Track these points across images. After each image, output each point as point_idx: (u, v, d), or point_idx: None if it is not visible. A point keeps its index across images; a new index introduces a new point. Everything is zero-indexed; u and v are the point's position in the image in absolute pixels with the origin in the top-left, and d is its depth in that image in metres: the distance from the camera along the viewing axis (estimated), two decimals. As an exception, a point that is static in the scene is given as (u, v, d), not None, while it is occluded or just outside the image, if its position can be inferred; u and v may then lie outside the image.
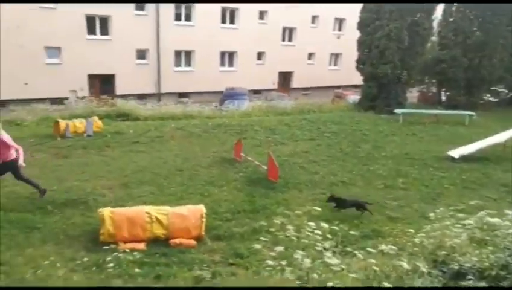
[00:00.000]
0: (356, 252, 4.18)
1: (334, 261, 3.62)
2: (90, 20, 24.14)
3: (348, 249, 4.55)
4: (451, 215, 4.83)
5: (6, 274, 5.67)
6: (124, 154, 12.20)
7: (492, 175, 11.19)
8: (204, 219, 7.21)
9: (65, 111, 17.59)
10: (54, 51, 23.38)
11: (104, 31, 24.82)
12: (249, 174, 10.65)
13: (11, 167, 8.22)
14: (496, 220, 4.40)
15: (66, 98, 22.43)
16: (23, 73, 22.06)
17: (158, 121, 17.22)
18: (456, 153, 12.63)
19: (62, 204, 8.10)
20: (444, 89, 26.36)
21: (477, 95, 24.57)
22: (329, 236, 4.06)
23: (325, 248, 3.83)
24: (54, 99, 21.60)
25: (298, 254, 3.68)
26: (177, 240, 6.90)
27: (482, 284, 3.57)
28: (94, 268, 5.82)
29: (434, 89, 27.88)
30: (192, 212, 7.27)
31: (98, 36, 24.65)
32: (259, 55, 31.15)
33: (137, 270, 5.70)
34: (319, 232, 3.99)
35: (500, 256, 3.86)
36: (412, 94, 26.32)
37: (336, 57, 35.48)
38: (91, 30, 24.34)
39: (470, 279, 3.66)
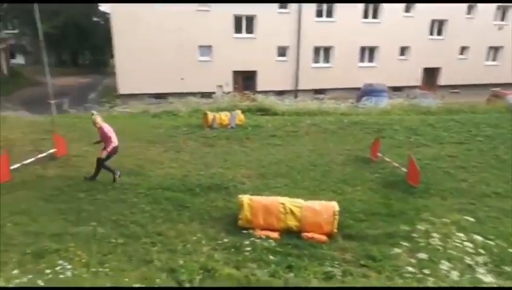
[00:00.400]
0: (516, 274, 3.65)
1: (488, 279, 3.23)
2: (237, 19, 25.97)
3: (507, 268, 3.99)
4: None
5: (163, 244, 6.55)
6: (262, 147, 12.84)
7: None
8: (337, 216, 7.15)
9: (213, 104, 19.28)
10: (205, 49, 25.88)
11: (250, 29, 26.42)
12: (385, 176, 10.16)
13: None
14: None
15: (214, 93, 24.63)
16: (180, 69, 24.98)
17: (294, 117, 17.61)
18: None
19: (207, 188, 8.94)
20: None
21: None
22: (481, 251, 3.64)
23: (476, 263, 3.44)
24: (204, 93, 23.93)
25: (444, 265, 3.39)
26: (309, 234, 7.00)
27: None
28: (232, 250, 6.30)
29: None
30: (325, 208, 7.27)
31: (244, 35, 26.36)
32: (403, 50, 29.32)
33: (271, 257, 5.98)
34: (470, 244, 3.61)
35: None
36: None
37: (495, 50, 31.22)
38: (238, 29, 26.17)
39: None
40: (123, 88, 24.74)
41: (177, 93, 23.88)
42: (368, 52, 29.13)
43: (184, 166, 10.57)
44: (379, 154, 11.40)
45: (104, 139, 9.07)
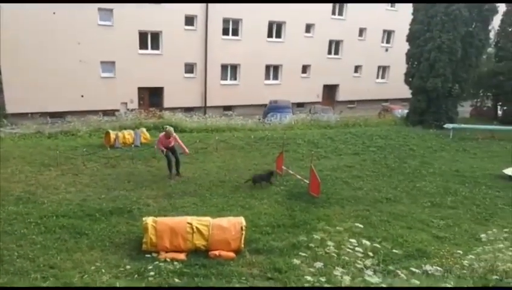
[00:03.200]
0: (399, 271, 3.98)
1: (375, 279, 3.48)
2: (142, 35, 25.29)
3: (391, 268, 4.35)
4: (506, 237, 4.50)
5: (56, 277, 5.96)
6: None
7: (554, 196, 10.36)
8: (244, 232, 7.20)
9: (116, 122, 18.40)
10: (108, 65, 24.68)
11: (155, 45, 25.88)
12: (290, 188, 10.57)
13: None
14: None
15: (117, 110, 23.51)
16: (80, 86, 23.44)
17: (203, 133, 17.58)
18: (512, 171, 11.86)
19: (109, 212, 8.42)
20: (500, 103, 24.93)
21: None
22: (370, 254, 3.92)
23: (365, 266, 3.69)
24: (106, 111, 22.70)
25: (338, 271, 3.58)
26: (216, 252, 6.94)
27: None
28: (136, 276, 5.98)
29: (489, 103, 26.46)
30: (233, 224, 7.28)
31: (149, 51, 25.73)
32: (304, 68, 31.12)
33: (176, 280, 5.78)
34: (360, 249, 3.86)
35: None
36: (464, 108, 25.09)
37: (383, 69, 34.72)
38: (143, 45, 25.47)
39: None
40: (12, 107, 22.34)
41: (76, 112, 22.32)
42: (273, 70, 30.37)
43: (83, 190, 9.84)
44: (284, 168, 11.84)
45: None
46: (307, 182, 10.41)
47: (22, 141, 15.35)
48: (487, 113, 25.76)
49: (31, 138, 16.11)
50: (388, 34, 33.86)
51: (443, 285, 3.59)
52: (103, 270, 6.13)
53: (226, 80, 28.86)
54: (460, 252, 4.82)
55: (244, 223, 7.31)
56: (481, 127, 19.19)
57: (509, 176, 11.75)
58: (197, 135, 17.23)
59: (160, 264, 6.03)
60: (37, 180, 10.42)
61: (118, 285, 5.67)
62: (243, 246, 7.13)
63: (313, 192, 9.88)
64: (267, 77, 30.22)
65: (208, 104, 27.83)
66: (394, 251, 4.96)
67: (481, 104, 27.45)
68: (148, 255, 6.57)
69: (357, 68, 33.20)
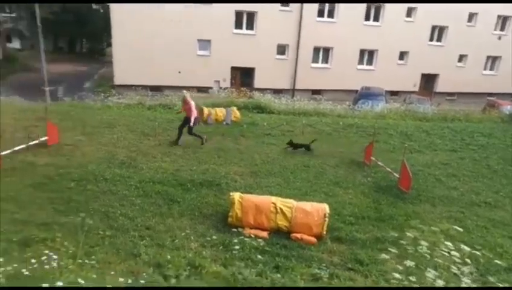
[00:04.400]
0: (500, 285, 3.66)
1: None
2: (238, 15, 25.86)
3: (490, 279, 4.01)
4: None
5: (151, 237, 6.51)
6: (256, 145, 12.82)
7: None
8: (327, 219, 7.15)
9: (209, 99, 19.21)
10: (205, 43, 25.75)
11: (250, 26, 26.33)
12: (377, 180, 10.19)
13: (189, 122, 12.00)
14: None
15: (210, 88, 24.54)
16: (178, 63, 24.85)
17: (290, 116, 17.61)
18: None
19: (199, 183, 8.91)
20: None
21: None
22: (468, 261, 3.65)
23: (462, 273, 3.45)
24: (201, 88, 23.84)
25: (430, 273, 3.40)
26: (298, 235, 7.00)
27: None
28: (221, 247, 6.28)
29: None
30: (316, 210, 7.26)
31: (244, 31, 26.27)
32: (402, 55, 29.39)
33: (259, 256, 5.96)
34: (457, 254, 3.61)
35: None
36: None
37: (493, 60, 31.38)
38: (238, 25, 26.06)
39: None
40: (119, 79, 24.57)
41: (173, 87, 23.78)
42: (367, 55, 29.16)
43: (176, 160, 10.52)
44: (373, 159, 11.42)
45: (189, 113, 11.96)
46: (397, 175, 9.95)
47: (126, 111, 16.82)
48: None
49: (133, 108, 17.57)
50: (503, 20, 30.39)
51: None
52: (192, 238, 6.55)
53: (317, 62, 28.44)
54: None
55: (327, 210, 7.25)
56: None
57: None
58: (284, 117, 17.32)
59: (245, 239, 6.26)
60: (137, 148, 11.37)
61: (204, 254, 6.02)
62: (325, 232, 7.09)
63: (402, 187, 9.42)
64: (361, 62, 29.15)
65: (296, 87, 27.77)
66: (496, 261, 4.54)
67: None
68: (234, 229, 6.85)
69: (461, 57, 30.47)
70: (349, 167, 11.18)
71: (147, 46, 24.02)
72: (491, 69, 31.51)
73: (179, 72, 25.01)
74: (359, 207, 8.46)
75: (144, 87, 23.66)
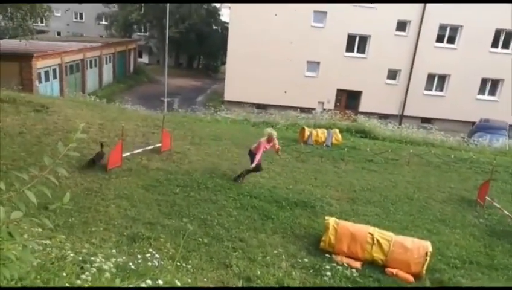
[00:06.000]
0: None
1: None
2: (350, 38, 25.66)
3: None
4: None
5: (243, 250, 6.68)
6: (356, 170, 12.42)
7: None
8: (428, 257, 6.59)
9: (311, 120, 19.27)
10: (313, 65, 26.03)
11: (362, 49, 25.92)
12: (492, 223, 9.09)
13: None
14: None
15: (314, 109, 24.62)
16: (285, 82, 25.48)
17: (396, 144, 16.75)
18: None
19: (294, 203, 8.91)
20: None
21: None
22: None
23: None
24: (304, 108, 24.04)
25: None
26: (394, 270, 6.57)
27: None
28: (311, 271, 6.18)
29: None
30: (416, 247, 6.75)
31: (355, 54, 25.95)
32: (533, 86, 26.09)
33: (349, 286, 5.72)
34: None
35: None
36: None
37: None
38: (350, 48, 25.84)
39: None
40: (229, 95, 26.05)
41: (278, 106, 24.38)
42: (490, 84, 26.52)
43: (274, 178, 10.70)
44: (488, 198, 10.24)
45: (256, 152, 9.83)
46: (517, 220, 8.77)
47: (232, 125, 17.71)
48: None
49: (239, 123, 18.43)
50: None
51: None
52: (283, 257, 6.56)
53: (431, 90, 26.71)
54: None
55: (430, 248, 6.69)
56: None
57: None
58: (389, 144, 16.53)
59: (337, 266, 6.07)
60: (240, 161, 11.81)
61: (293, 275, 5.98)
62: (424, 272, 6.54)
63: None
64: (482, 92, 26.60)
65: (405, 114, 26.38)
66: None
67: None
68: (327, 255, 6.69)
69: None
70: (458, 205, 10.17)
71: (257, 65, 25.12)
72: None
73: (285, 92, 25.60)
74: (467, 250, 7.63)
75: (251, 104, 24.74)
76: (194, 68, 52.53)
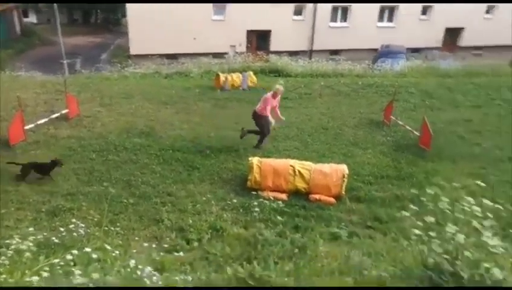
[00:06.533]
0: (522, 238, 3.60)
1: (494, 241, 3.20)
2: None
3: (512, 231, 3.96)
4: None
5: (173, 203, 6.68)
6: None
7: None
8: (345, 179, 7.16)
9: (225, 65, 19.03)
10: (219, 7, 25.21)
11: (263, -13, 25.48)
12: (397, 139, 10.05)
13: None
14: None
15: (226, 53, 24.23)
16: (193, 29, 24.51)
17: (308, 78, 17.31)
18: None
19: (217, 150, 8.99)
20: None
21: None
22: (489, 215, 3.58)
23: (483, 227, 3.41)
24: (216, 54, 23.56)
25: (451, 228, 3.37)
26: (316, 196, 7.06)
27: None
28: (241, 210, 6.41)
29: None
30: (335, 171, 7.28)
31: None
32: (425, 10, 28.08)
33: (279, 217, 6.07)
34: (478, 208, 3.55)
35: None
36: None
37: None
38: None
39: None
40: (135, 48, 24.49)
41: (189, 54, 23.58)
42: (388, 12, 28.03)
43: (195, 128, 10.60)
44: (392, 118, 11.21)
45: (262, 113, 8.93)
46: (417, 134, 9.77)
47: (143, 80, 16.87)
48: None
49: (150, 77, 17.59)
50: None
51: None
52: (212, 202, 6.69)
53: (336, 21, 27.55)
54: None
55: (346, 170, 7.26)
56: None
57: None
58: (301, 79, 17.04)
59: (264, 201, 6.36)
60: (156, 117, 11.47)
61: (225, 217, 6.16)
62: (343, 192, 7.13)
63: (423, 145, 9.26)
64: (381, 19, 28.06)
65: (314, 48, 27.12)
66: (519, 215, 4.48)
67: None
68: (253, 192, 6.94)
69: (489, 8, 28.84)
70: (368, 128, 11.03)
71: (160, 14, 23.70)
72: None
73: (194, 39, 24.71)
74: (378, 167, 8.42)
75: (160, 56, 23.56)
76: (92, 23, 48.15)
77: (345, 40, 26.94)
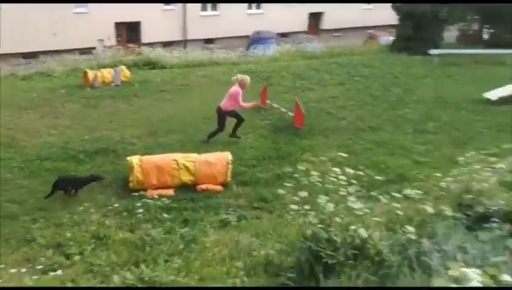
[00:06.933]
0: (380, 196, 4.11)
1: (358, 205, 3.58)
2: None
3: (373, 193, 4.49)
4: (482, 159, 4.60)
5: (46, 219, 6.04)
6: (151, 103, 12.31)
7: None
8: (230, 165, 7.31)
9: (93, 61, 17.71)
10: (81, -1, 23.22)
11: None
12: (274, 122, 10.57)
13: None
14: (528, 163, 4.17)
15: (94, 48, 22.54)
16: (52, 23, 22.17)
17: (184, 69, 17.10)
18: (493, 95, 11.93)
19: (93, 153, 8.38)
20: (487, 26, 24.48)
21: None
22: (354, 181, 3.99)
23: (348, 193, 3.78)
24: (83, 50, 21.77)
25: (321, 199, 3.66)
26: (203, 186, 7.08)
27: (508, 227, 3.45)
28: (125, 214, 6.09)
29: (476, 27, 25.95)
30: (219, 159, 7.38)
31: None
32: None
33: (165, 215, 5.92)
34: (344, 177, 3.92)
35: (530, 198, 3.70)
36: (451, 33, 24.62)
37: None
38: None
39: (494, 221, 3.56)
40: (-19, 48, 21.24)
41: (50, 51, 21.33)
42: (255, -2, 29.05)
43: (64, 132, 9.70)
44: (268, 101, 11.74)
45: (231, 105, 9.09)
46: (292, 114, 10.40)
47: (-5, 85, 14.76)
48: (473, 37, 25.38)
49: (4, 80, 15.45)
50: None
51: (421, 207, 3.73)
52: (92, 210, 6.22)
53: (206, 10, 27.60)
54: (439, 175, 4.95)
55: (230, 157, 7.41)
56: (465, 52, 18.98)
57: (489, 99, 11.86)
58: (178, 71, 16.76)
59: (148, 201, 6.13)
60: (16, 125, 10.18)
61: (108, 223, 5.78)
62: (229, 179, 7.28)
63: (297, 124, 9.90)
64: (250, 6, 28.96)
65: (188, 38, 26.83)
66: (377, 177, 5.10)
67: (467, 28, 26.92)
68: (136, 193, 6.65)
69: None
70: (247, 113, 11.28)
71: (11, 7, 20.87)
72: (368, 3, 33.47)
73: (55, 34, 22.39)
74: (259, 149, 8.77)
75: (15, 55, 20.85)
76: None
77: (218, 28, 27.19)
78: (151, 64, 17.49)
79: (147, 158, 7.25)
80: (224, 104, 9.12)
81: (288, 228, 4.98)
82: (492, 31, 23.76)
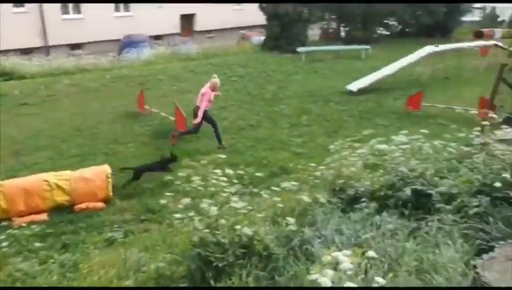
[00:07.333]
0: (262, 192, 4.28)
1: (240, 204, 3.67)
2: None
3: (255, 190, 4.65)
4: (349, 145, 5.09)
5: None
6: (11, 119, 10.90)
7: (384, 104, 12.17)
8: (110, 179, 6.90)
9: None
10: None
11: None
12: (155, 127, 10.29)
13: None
14: (384, 146, 4.75)
15: None
16: None
17: (48, 78, 15.50)
18: (353, 86, 13.41)
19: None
20: (343, 25, 27.33)
21: (371, 29, 25.89)
22: (235, 181, 4.08)
23: (231, 193, 3.86)
24: None
25: (205, 203, 3.67)
26: (82, 205, 6.58)
27: (373, 204, 3.89)
28: (-14, 251, 5.29)
29: (334, 25, 28.79)
30: (97, 174, 6.91)
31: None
32: (160, -3, 29.09)
33: (38, 244, 5.31)
34: (225, 178, 3.99)
35: (388, 177, 4.22)
36: (314, 32, 26.89)
37: (237, -4, 34.44)
38: None
39: (363, 201, 3.98)
40: None
41: None
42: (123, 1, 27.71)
43: None
44: (147, 107, 11.35)
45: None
46: (172, 118, 10.23)
47: None
48: (332, 35, 28.10)
49: None
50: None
51: (299, 197, 3.99)
52: None
53: (68, 14, 25.44)
54: (314, 164, 5.37)
55: (109, 170, 6.99)
56: (327, 48, 20.92)
57: (351, 90, 13.30)
58: (41, 80, 15.12)
59: (14, 231, 5.43)
60: None
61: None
62: (111, 194, 6.86)
63: (179, 128, 9.77)
64: (117, 9, 27.55)
65: (50, 43, 24.41)
66: (257, 174, 5.33)
67: (328, 27, 29.70)
68: (3, 223, 5.85)
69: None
70: (125, 121, 10.87)
71: None
72: (238, 4, 34.58)
73: None
74: (142, 158, 8.46)
75: None
76: None
77: (83, 32, 25.27)
78: (7, 75, 15.48)
79: (11, 182, 6.44)
80: (203, 103, 9.04)
81: (178, 237, 4.89)
82: (347, 29, 26.66)
